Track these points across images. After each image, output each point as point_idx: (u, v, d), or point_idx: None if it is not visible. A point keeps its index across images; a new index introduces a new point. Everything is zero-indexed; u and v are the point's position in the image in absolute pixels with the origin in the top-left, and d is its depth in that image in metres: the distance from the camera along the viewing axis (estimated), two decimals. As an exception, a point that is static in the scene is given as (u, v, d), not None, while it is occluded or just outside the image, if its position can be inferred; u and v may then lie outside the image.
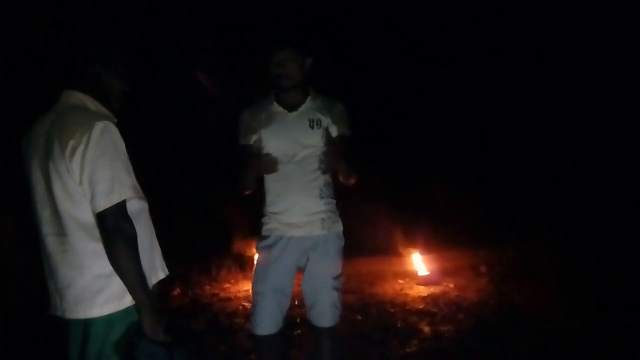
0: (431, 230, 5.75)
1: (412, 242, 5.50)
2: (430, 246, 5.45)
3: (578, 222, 5.60)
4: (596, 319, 3.74)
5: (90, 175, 1.64)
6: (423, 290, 4.72)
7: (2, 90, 4.55)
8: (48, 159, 1.69)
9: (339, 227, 2.56)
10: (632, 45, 6.02)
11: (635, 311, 3.76)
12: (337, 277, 2.53)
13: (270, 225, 2.53)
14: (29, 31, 4.59)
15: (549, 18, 6.34)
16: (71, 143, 1.65)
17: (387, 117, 6.68)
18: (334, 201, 2.56)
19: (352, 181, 2.56)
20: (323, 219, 2.49)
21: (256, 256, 2.66)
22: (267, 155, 2.46)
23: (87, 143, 1.64)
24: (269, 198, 2.53)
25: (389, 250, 5.55)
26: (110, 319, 1.71)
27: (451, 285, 4.80)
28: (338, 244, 2.55)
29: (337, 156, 2.43)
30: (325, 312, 2.51)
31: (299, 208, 2.46)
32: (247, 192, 2.54)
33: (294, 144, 2.46)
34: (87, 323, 1.73)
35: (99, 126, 1.66)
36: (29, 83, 4.46)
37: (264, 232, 2.56)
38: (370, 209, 5.86)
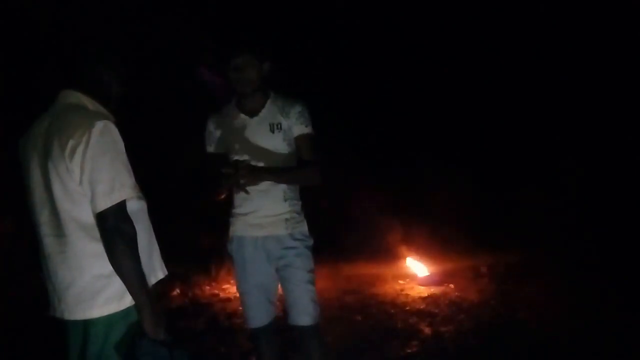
0: (431, 231, 5.75)
1: (412, 243, 5.50)
2: (430, 247, 5.45)
3: (578, 223, 5.60)
4: (596, 319, 3.73)
5: (91, 175, 1.64)
6: (423, 291, 4.72)
7: (2, 90, 4.55)
8: (47, 159, 1.69)
9: (304, 226, 2.60)
10: (632, 45, 6.01)
11: (635, 312, 3.75)
12: (311, 271, 2.57)
13: (237, 226, 2.59)
14: (29, 31, 4.59)
15: (549, 18, 6.34)
16: (71, 143, 1.64)
17: (386, 119, 6.68)
18: (299, 202, 2.60)
19: (313, 183, 2.56)
20: (287, 219, 2.53)
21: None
22: (242, 163, 2.42)
23: (87, 143, 1.64)
24: (237, 201, 2.58)
25: (389, 251, 5.55)
26: (110, 320, 1.71)
27: (451, 286, 4.80)
28: (305, 241, 2.58)
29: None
30: (307, 307, 2.52)
31: (264, 210, 2.51)
32: (221, 198, 2.57)
33: (257, 150, 2.49)
34: (87, 324, 1.73)
35: (99, 126, 1.66)
36: (29, 83, 4.46)
37: (231, 234, 2.61)
38: (370, 210, 5.85)
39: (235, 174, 2.36)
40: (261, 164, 2.47)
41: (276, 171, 2.49)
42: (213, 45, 5.45)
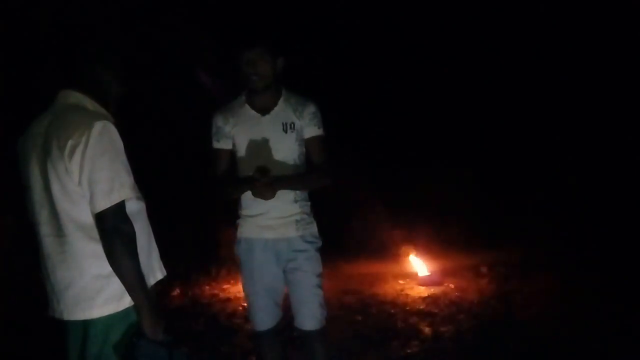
0: (431, 230, 5.75)
1: (412, 243, 5.50)
2: (430, 247, 5.45)
3: (578, 222, 5.60)
4: (596, 319, 3.73)
5: (90, 175, 1.64)
6: (423, 291, 4.72)
7: (2, 90, 4.55)
8: (46, 159, 1.69)
9: (314, 228, 2.56)
10: (632, 45, 6.01)
11: (635, 311, 3.75)
12: (319, 275, 2.54)
13: (245, 228, 2.54)
14: (29, 31, 4.59)
15: (549, 18, 6.34)
16: (70, 143, 1.64)
17: (387, 118, 6.68)
18: (309, 203, 2.56)
19: (323, 185, 2.53)
20: (297, 221, 2.49)
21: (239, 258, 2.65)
22: (264, 173, 2.38)
23: (87, 143, 1.63)
24: (244, 201, 2.52)
25: (390, 251, 5.55)
26: (109, 320, 1.71)
27: (451, 286, 4.80)
28: (316, 243, 2.55)
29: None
30: (315, 312, 2.50)
31: (274, 211, 2.46)
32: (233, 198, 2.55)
33: (268, 148, 2.44)
34: (87, 324, 1.72)
35: (98, 126, 1.66)
36: (29, 83, 4.45)
37: (239, 235, 2.57)
38: (370, 210, 5.86)
39: (260, 183, 2.33)
40: (272, 165, 2.42)
41: (293, 180, 2.45)
42: (213, 45, 5.46)
